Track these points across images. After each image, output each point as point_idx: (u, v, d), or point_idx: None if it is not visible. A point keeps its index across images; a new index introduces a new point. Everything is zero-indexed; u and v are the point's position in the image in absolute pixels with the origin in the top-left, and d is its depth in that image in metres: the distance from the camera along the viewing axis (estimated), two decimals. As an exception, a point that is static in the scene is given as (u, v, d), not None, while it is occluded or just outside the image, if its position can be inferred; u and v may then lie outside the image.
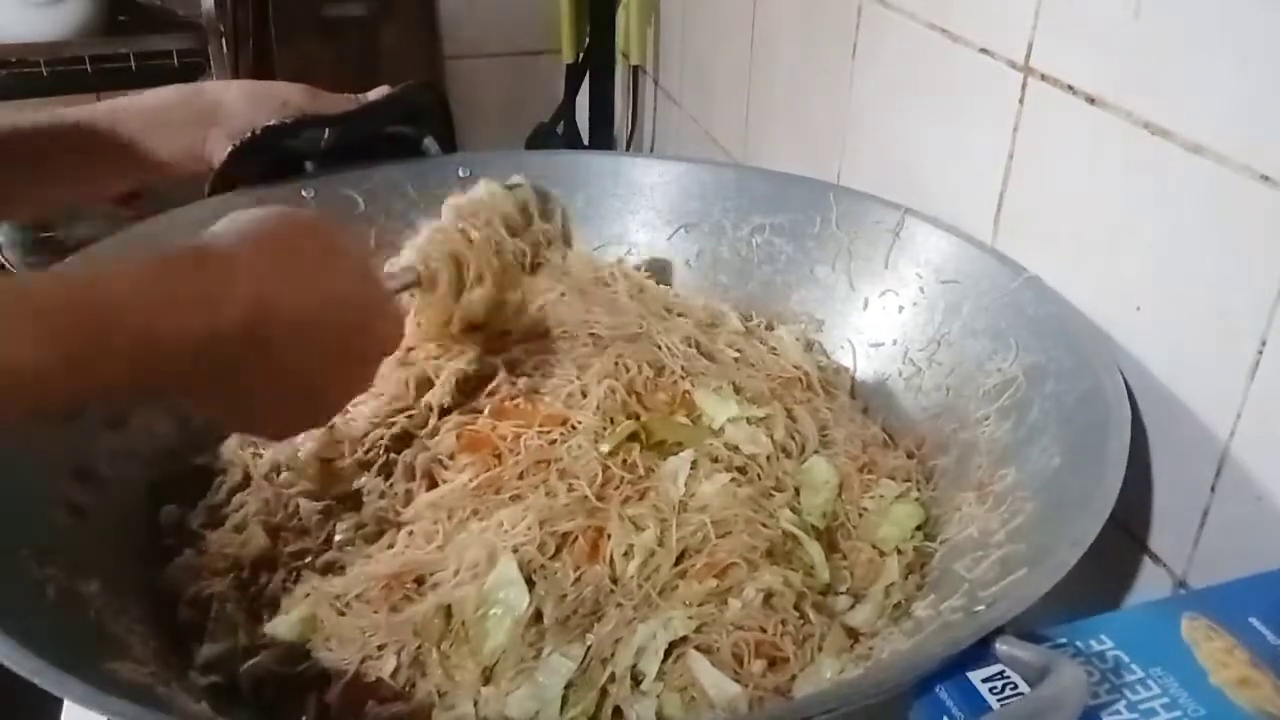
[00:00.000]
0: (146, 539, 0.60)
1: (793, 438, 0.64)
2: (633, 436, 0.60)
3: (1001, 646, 0.41)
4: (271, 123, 0.75)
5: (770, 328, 0.77)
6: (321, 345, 0.50)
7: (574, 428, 0.60)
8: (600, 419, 0.60)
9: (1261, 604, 0.44)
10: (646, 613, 0.52)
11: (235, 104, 0.77)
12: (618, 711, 0.49)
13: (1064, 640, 0.42)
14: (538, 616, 0.52)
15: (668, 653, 0.50)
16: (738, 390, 0.65)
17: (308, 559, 0.58)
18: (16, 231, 1.35)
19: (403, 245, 0.67)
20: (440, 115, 0.87)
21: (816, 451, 0.64)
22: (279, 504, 0.61)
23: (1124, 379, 0.54)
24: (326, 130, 0.78)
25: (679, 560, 0.54)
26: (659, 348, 0.67)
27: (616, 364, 0.64)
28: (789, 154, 1.01)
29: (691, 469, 0.59)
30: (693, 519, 0.56)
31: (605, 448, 0.58)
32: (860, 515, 0.61)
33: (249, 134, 0.75)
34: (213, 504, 0.62)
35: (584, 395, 0.62)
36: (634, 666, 0.50)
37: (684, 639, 0.51)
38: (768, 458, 0.62)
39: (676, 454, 0.60)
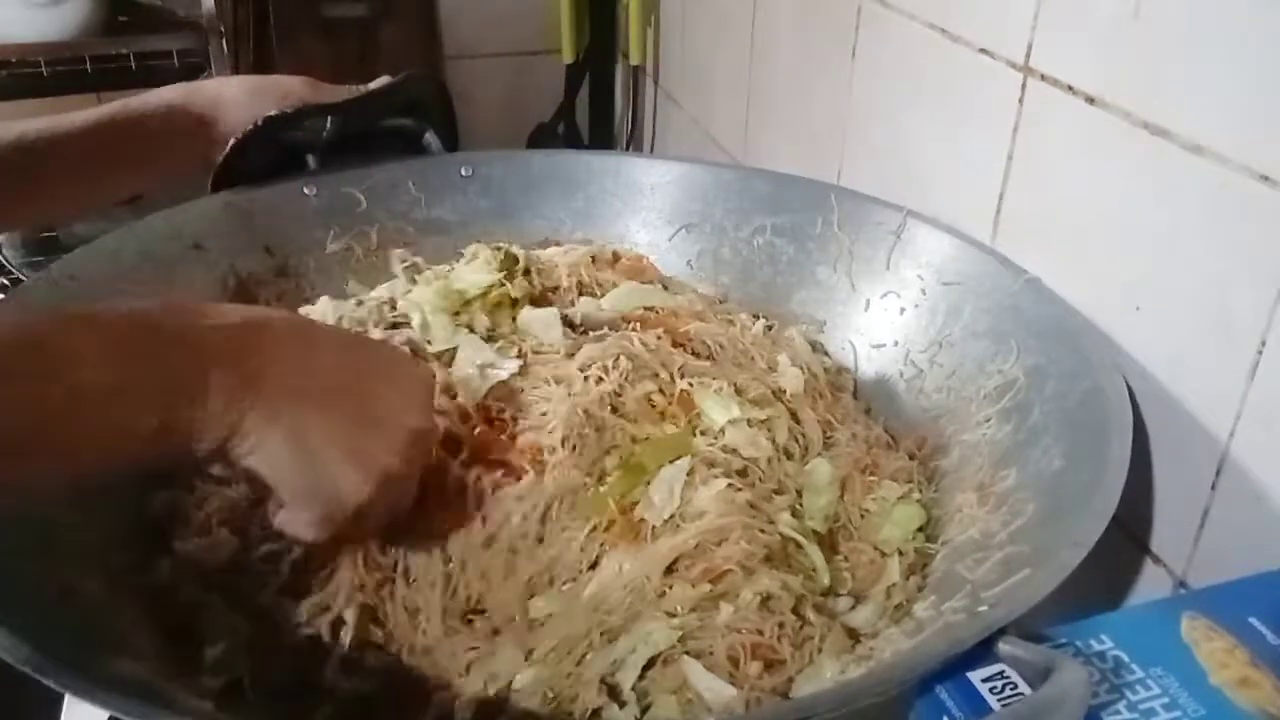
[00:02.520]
0: (146, 538, 0.60)
1: (796, 440, 0.64)
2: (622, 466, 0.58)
3: (1004, 647, 0.41)
4: (273, 113, 0.75)
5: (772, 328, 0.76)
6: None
7: (543, 462, 0.58)
8: (574, 460, 0.57)
9: (1261, 604, 0.44)
10: (628, 625, 0.51)
11: (236, 99, 0.77)
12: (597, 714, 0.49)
13: (1064, 640, 0.42)
14: None
15: (658, 659, 0.50)
16: (739, 392, 0.65)
17: (281, 560, 0.56)
18: (16, 231, 1.35)
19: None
20: (441, 107, 0.87)
21: (820, 454, 0.64)
22: (243, 502, 0.59)
23: (1125, 380, 0.54)
24: (328, 119, 0.78)
25: (671, 569, 0.54)
26: (630, 343, 0.65)
27: (585, 377, 0.62)
28: (789, 154, 1.01)
29: (687, 476, 0.58)
30: (688, 528, 0.55)
31: (581, 535, 0.55)
32: (862, 516, 0.61)
33: (251, 125, 0.75)
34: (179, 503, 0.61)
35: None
36: (612, 676, 0.50)
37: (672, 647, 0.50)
38: (769, 460, 0.61)
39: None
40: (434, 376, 0.57)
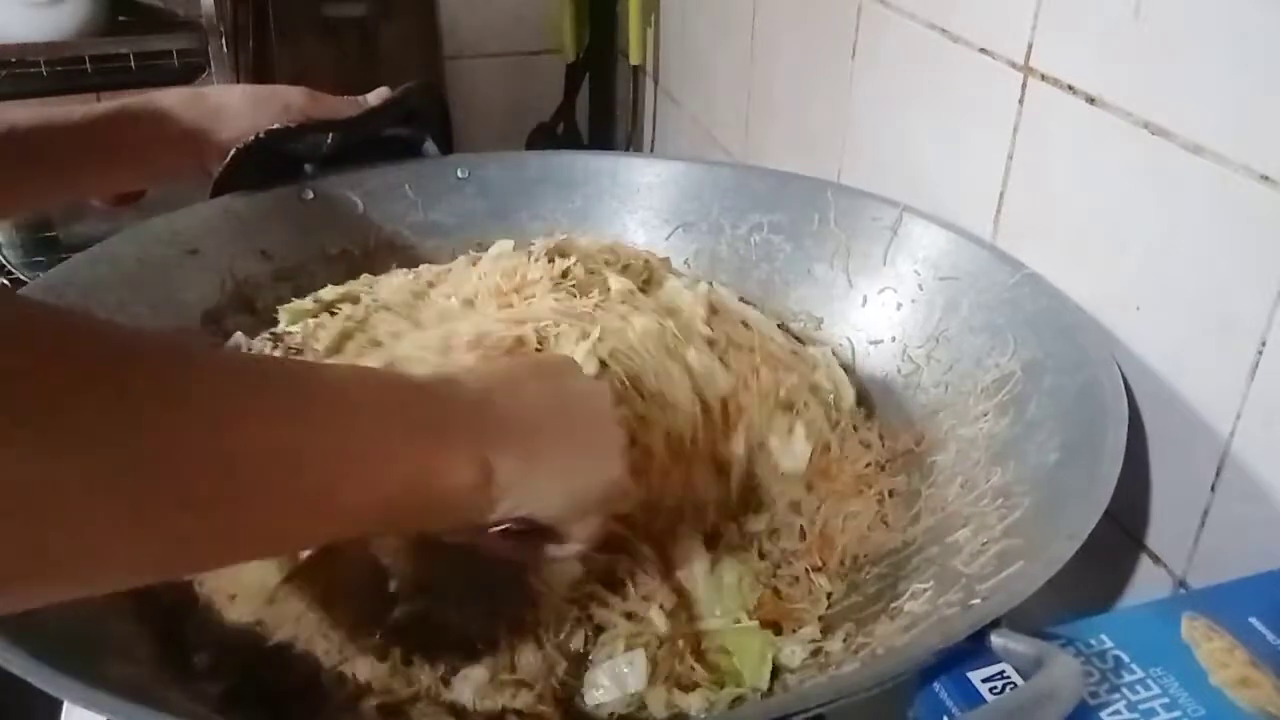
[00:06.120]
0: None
1: None
2: None
3: (997, 639, 0.41)
4: (275, 126, 0.76)
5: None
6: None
7: None
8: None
9: (1261, 604, 0.44)
10: None
11: (238, 107, 0.78)
12: None
13: (1064, 640, 0.42)
14: None
15: None
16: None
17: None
18: (16, 232, 1.35)
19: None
20: (439, 115, 0.87)
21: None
22: None
23: (1122, 374, 0.54)
24: (330, 135, 0.78)
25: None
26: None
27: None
28: (789, 154, 1.01)
29: None
30: None
31: None
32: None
33: (252, 137, 0.75)
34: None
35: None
36: None
37: None
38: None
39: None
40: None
